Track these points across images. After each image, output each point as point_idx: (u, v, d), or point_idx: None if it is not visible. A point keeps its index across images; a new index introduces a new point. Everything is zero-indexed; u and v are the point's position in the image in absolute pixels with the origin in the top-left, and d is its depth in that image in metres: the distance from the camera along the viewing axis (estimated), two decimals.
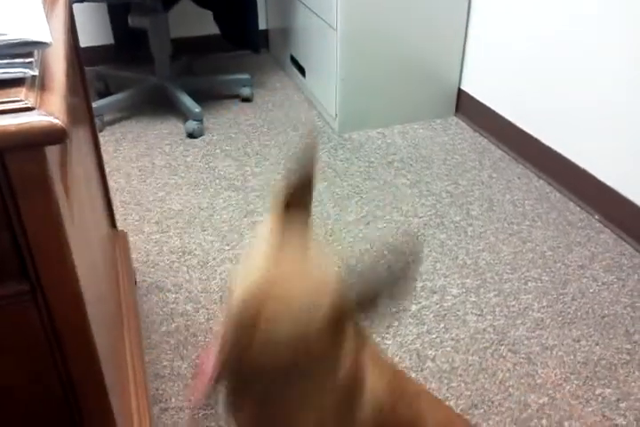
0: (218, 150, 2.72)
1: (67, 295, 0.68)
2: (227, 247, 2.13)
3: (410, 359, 1.68)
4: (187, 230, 2.21)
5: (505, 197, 2.40)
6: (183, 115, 2.89)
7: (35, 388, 0.73)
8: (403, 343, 1.73)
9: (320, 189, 2.46)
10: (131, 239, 2.09)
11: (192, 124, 2.78)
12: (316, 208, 2.34)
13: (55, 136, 0.58)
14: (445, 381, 1.62)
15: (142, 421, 1.27)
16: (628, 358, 1.68)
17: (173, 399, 1.56)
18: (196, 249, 2.12)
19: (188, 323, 1.81)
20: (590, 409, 1.53)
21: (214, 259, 2.07)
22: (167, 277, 2.00)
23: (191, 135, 2.79)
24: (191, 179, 2.52)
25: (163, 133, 2.86)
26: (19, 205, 0.62)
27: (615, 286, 1.95)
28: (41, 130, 0.57)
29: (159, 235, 2.19)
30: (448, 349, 1.71)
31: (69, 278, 0.67)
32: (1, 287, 0.66)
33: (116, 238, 1.92)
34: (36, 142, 0.58)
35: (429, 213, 2.31)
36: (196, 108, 2.77)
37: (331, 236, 2.18)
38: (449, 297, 1.90)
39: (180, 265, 2.05)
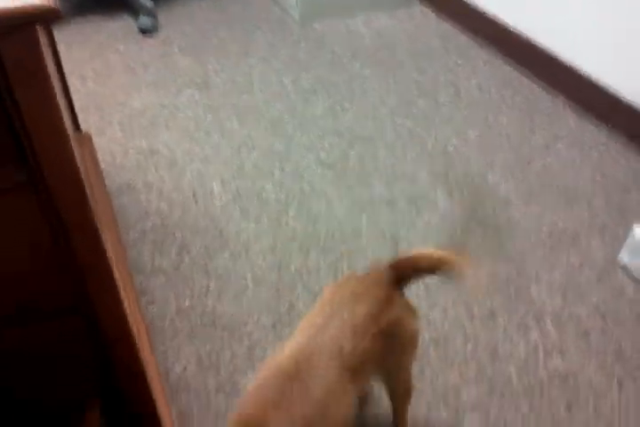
0: (175, 48, 2.60)
1: (67, 180, 0.67)
2: (194, 146, 2.10)
3: (384, 241, 1.73)
4: (151, 131, 2.16)
5: (471, 82, 2.39)
6: (135, 11, 2.72)
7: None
8: (376, 224, 1.78)
9: (285, 82, 2.40)
10: (94, 141, 2.04)
11: (145, 20, 2.64)
12: (282, 103, 2.30)
13: (50, 14, 0.56)
14: None
15: (132, 309, 1.31)
16: (590, 224, 1.77)
17: (157, 292, 1.60)
18: (162, 149, 2.09)
19: (164, 221, 1.82)
20: (556, 273, 1.63)
21: (182, 157, 2.05)
22: (136, 178, 1.98)
23: (145, 31, 2.65)
24: (150, 78, 2.42)
25: (115, 32, 2.71)
26: (14, 90, 0.59)
27: (578, 161, 2.01)
28: (36, 8, 0.55)
29: (123, 136, 2.14)
30: (420, 231, 1.77)
31: (68, 161, 0.66)
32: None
33: (82, 140, 1.87)
34: (32, 20, 0.55)
35: (397, 101, 2.29)
36: (148, 3, 2.61)
37: (299, 130, 2.16)
38: (419, 182, 1.94)
39: (148, 165, 2.02)
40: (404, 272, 1.08)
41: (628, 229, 1.74)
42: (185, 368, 1.42)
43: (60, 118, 0.63)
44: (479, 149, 2.07)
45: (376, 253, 1.70)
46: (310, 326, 1.00)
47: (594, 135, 2.12)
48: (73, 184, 0.67)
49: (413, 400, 1.25)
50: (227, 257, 1.69)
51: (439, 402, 1.34)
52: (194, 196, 1.90)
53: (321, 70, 2.47)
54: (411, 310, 1.10)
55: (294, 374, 0.92)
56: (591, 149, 2.06)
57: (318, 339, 0.97)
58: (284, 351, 0.97)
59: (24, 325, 0.71)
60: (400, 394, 1.18)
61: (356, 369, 0.96)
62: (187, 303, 1.57)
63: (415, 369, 1.26)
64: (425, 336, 1.48)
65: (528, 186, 1.92)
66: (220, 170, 1.99)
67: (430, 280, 1.62)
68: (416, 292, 1.58)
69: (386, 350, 1.03)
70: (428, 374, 1.40)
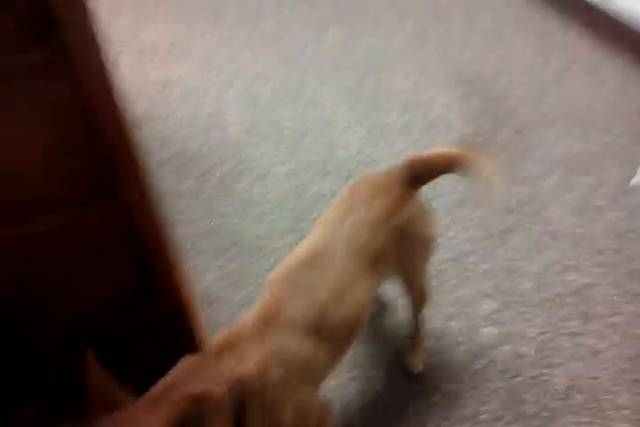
0: None
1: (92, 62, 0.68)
2: (212, 75, 2.09)
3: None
4: (166, 63, 2.16)
5: (484, 14, 2.35)
6: None
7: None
8: (392, 150, 1.80)
9: (301, 8, 2.37)
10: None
11: None
12: (296, 34, 2.27)
13: None
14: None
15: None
16: (605, 149, 1.78)
17: (182, 214, 1.64)
18: (179, 80, 2.09)
19: (185, 148, 1.84)
20: (572, 195, 1.65)
21: (199, 86, 2.05)
22: (154, 108, 1.99)
23: None
24: (161, 11, 2.39)
25: None
26: None
27: (594, 86, 2.00)
28: None
29: (139, 68, 2.14)
30: None
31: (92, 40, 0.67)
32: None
33: None
34: None
35: (410, 30, 2.26)
36: None
37: (312, 60, 2.15)
38: (435, 109, 1.94)
39: (165, 96, 2.03)
40: (419, 171, 1.10)
41: None
42: (211, 284, 1.47)
43: None
44: (496, 75, 2.06)
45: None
46: (328, 222, 1.03)
47: (610, 61, 2.10)
48: (96, 60, 0.67)
49: (432, 312, 1.30)
50: (248, 181, 1.72)
51: (456, 315, 1.39)
52: (213, 124, 1.92)
53: (330, 2, 2.43)
54: (426, 211, 1.12)
55: (312, 264, 0.95)
56: (607, 75, 2.04)
57: (336, 232, 1.00)
58: (304, 244, 1.01)
59: (58, 210, 0.74)
60: (416, 298, 1.22)
61: (371, 261, 0.99)
62: (212, 224, 1.61)
63: (433, 284, 1.30)
64: (443, 254, 1.52)
65: (545, 110, 1.92)
66: (237, 100, 2.00)
67: (448, 199, 1.65)
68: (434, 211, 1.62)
69: (401, 247, 1.06)
70: (447, 288, 1.45)
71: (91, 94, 0.68)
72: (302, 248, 1.00)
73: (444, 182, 1.66)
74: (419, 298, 1.23)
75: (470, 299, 1.42)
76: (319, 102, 1.98)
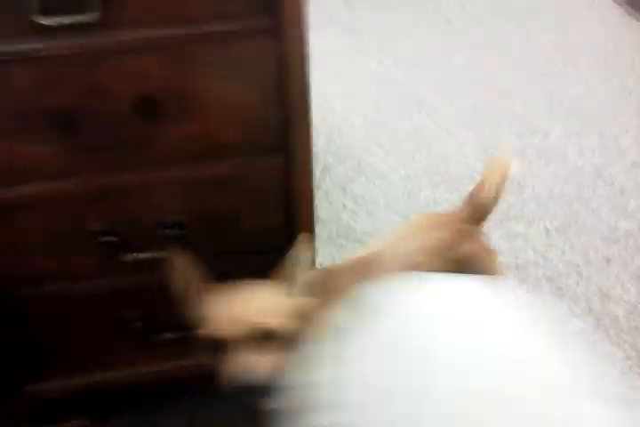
0: None
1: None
2: (340, 84, 2.25)
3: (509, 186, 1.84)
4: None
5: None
6: None
7: None
8: None
9: (425, 33, 2.49)
10: None
11: None
12: (426, 53, 2.40)
13: None
14: (542, 206, 1.78)
15: None
16: None
17: None
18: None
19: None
20: None
21: (329, 95, 2.21)
22: None
23: None
24: None
25: None
26: None
27: None
28: None
29: None
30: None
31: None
32: None
33: None
34: None
35: (539, 59, 2.34)
36: None
37: None
38: (551, 137, 2.00)
39: None
40: (484, 202, 1.12)
41: None
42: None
43: None
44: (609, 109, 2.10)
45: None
46: (388, 239, 1.12)
47: None
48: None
49: None
50: (363, 182, 1.86)
51: None
52: (338, 128, 2.07)
53: (464, 25, 2.54)
54: (487, 251, 1.14)
55: (364, 267, 1.03)
56: None
57: (392, 248, 1.07)
58: (360, 251, 1.12)
59: (240, 156, 0.91)
60: None
61: None
62: (325, 216, 1.75)
63: None
64: (540, 272, 1.59)
65: None
66: (362, 107, 2.15)
67: (550, 224, 1.72)
68: (536, 233, 1.69)
69: None
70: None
71: (288, 64, 0.83)
72: (360, 253, 1.10)
73: (548, 204, 1.75)
74: None
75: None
76: (437, 115, 2.09)
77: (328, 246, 1.66)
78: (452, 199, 1.78)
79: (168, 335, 1.17)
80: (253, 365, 0.81)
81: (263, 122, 0.89)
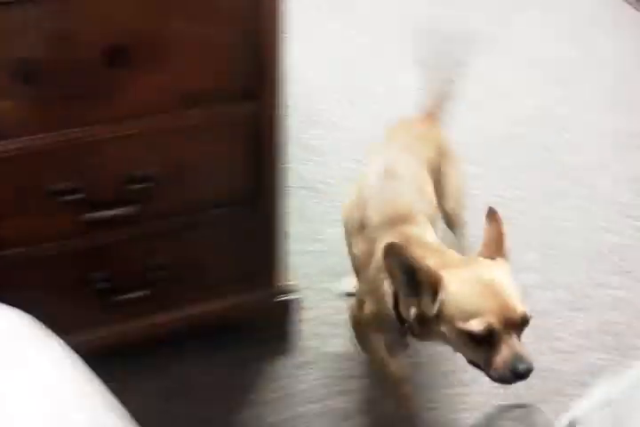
0: None
1: None
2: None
3: None
4: None
5: None
6: None
7: None
8: None
9: None
10: None
11: None
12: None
13: None
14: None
15: None
16: None
17: None
18: None
19: None
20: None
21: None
22: None
23: None
24: None
25: None
26: None
27: None
28: None
29: None
30: None
31: None
32: None
33: None
34: None
35: None
36: None
37: None
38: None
39: None
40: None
41: None
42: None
43: None
44: None
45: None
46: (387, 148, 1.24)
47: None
48: None
49: None
50: (317, 133, 1.86)
51: None
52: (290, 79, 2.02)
53: None
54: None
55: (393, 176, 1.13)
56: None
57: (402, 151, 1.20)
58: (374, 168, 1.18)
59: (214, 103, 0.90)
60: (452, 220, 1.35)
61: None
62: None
63: None
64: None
65: None
66: (317, 57, 2.09)
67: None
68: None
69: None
70: None
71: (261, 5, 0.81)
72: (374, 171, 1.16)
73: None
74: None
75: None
76: (393, 67, 2.08)
77: (286, 198, 1.65)
78: None
79: (137, 293, 1.15)
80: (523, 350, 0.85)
81: (235, 68, 0.87)
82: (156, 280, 1.14)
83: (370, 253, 1.04)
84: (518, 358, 0.83)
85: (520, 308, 0.85)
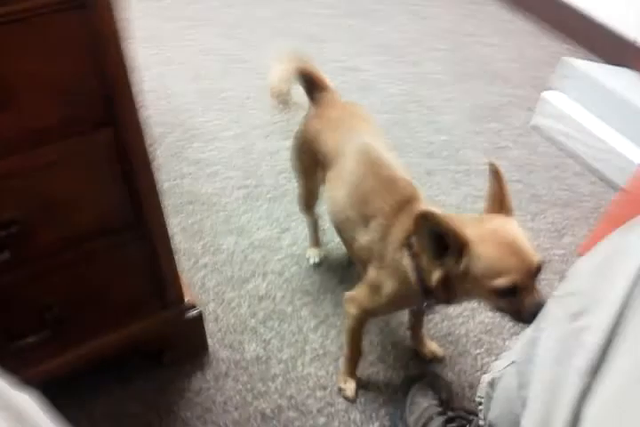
0: None
1: None
2: (153, 52, 2.22)
3: None
4: None
5: None
6: None
7: None
8: None
9: None
10: None
11: None
12: (236, 8, 2.41)
13: None
14: None
15: None
16: (508, 100, 2.05)
17: None
18: None
19: None
20: (480, 139, 1.91)
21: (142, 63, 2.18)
22: None
23: None
24: None
25: None
26: None
27: (498, 47, 2.26)
28: None
29: None
30: None
31: None
32: None
33: None
34: None
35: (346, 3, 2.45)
36: None
37: None
38: (366, 72, 2.15)
39: None
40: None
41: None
42: (172, 237, 1.64)
43: None
44: (416, 40, 2.28)
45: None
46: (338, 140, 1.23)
47: (513, 22, 2.36)
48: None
49: None
50: (197, 146, 1.89)
51: None
52: (160, 97, 2.05)
53: None
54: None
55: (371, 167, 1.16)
56: (515, 37, 2.30)
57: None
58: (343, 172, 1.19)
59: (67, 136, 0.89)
60: None
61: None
62: (165, 186, 1.76)
63: None
64: None
65: (458, 69, 2.16)
66: (180, 73, 2.14)
67: None
68: None
69: None
70: None
71: (101, 35, 0.82)
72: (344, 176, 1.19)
73: None
74: None
75: None
76: (261, 70, 2.14)
77: (178, 215, 1.68)
78: (285, 146, 1.87)
79: (38, 335, 1.16)
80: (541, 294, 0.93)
81: (86, 99, 0.87)
82: (56, 318, 1.14)
83: (383, 239, 1.09)
84: (540, 302, 0.90)
85: (537, 259, 0.92)
